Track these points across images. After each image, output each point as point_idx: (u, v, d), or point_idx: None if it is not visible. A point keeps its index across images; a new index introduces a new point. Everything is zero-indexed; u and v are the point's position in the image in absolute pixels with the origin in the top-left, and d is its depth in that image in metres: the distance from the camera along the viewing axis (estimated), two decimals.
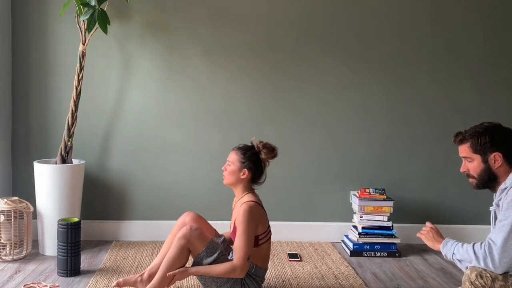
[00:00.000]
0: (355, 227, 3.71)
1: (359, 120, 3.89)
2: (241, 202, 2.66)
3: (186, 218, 2.83)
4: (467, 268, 2.16)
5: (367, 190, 3.70)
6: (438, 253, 3.66)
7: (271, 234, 2.75)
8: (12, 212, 3.25)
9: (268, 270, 3.09)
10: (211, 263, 2.55)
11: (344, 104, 3.88)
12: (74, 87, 3.44)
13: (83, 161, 3.60)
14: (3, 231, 3.25)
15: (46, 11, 3.70)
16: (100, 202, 3.81)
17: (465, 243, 2.19)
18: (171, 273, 2.52)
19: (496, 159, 2.24)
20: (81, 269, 3.11)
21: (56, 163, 3.44)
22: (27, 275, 3.05)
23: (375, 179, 3.91)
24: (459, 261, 2.18)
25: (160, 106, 3.80)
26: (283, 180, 3.88)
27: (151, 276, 2.66)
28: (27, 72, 3.73)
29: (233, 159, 2.71)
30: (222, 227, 3.02)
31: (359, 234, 3.62)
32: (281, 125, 3.86)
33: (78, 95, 3.45)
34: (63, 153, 3.45)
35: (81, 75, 3.45)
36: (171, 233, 2.84)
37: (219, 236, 2.81)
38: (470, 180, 2.34)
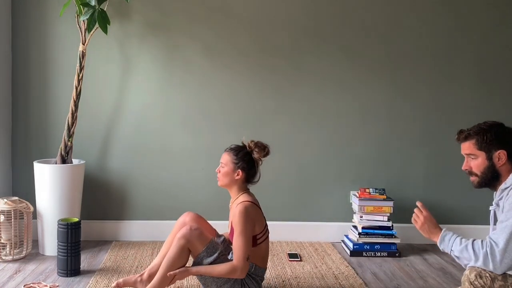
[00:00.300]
0: (355, 227, 3.71)
1: (359, 120, 3.89)
2: (236, 203, 2.66)
3: (186, 218, 2.83)
4: (465, 265, 2.15)
5: (367, 190, 3.70)
6: (438, 253, 3.66)
7: (268, 233, 2.75)
8: (12, 212, 3.25)
9: (268, 270, 3.10)
10: (211, 263, 2.55)
11: (344, 104, 3.88)
12: (74, 87, 3.44)
13: (83, 161, 3.60)
14: (3, 231, 3.25)
15: (46, 11, 3.70)
16: (100, 202, 3.81)
17: (463, 239, 2.15)
18: (171, 272, 2.52)
19: (501, 157, 2.22)
20: (81, 269, 3.11)
21: (56, 163, 3.44)
22: (27, 275, 3.05)
23: (375, 179, 3.91)
24: (457, 257, 2.16)
25: (160, 106, 3.80)
26: (283, 180, 3.88)
27: (151, 276, 2.67)
28: (27, 72, 3.74)
29: (226, 160, 2.71)
30: (222, 227, 3.02)
31: (359, 234, 3.62)
32: (281, 125, 3.86)
33: (78, 95, 3.45)
34: (63, 153, 3.45)
35: (81, 75, 3.45)
36: (171, 233, 2.84)
37: (219, 236, 2.81)
38: (472, 178, 2.32)
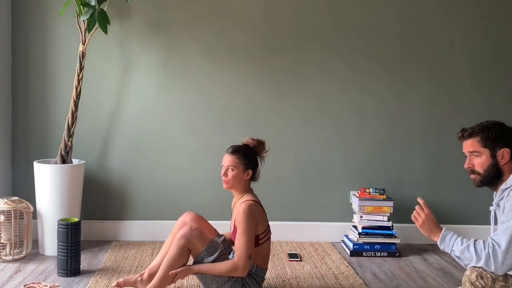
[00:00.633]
0: (355, 227, 3.71)
1: (359, 120, 3.89)
2: (240, 202, 2.66)
3: (186, 218, 2.83)
4: (466, 265, 2.14)
5: (367, 190, 3.70)
6: (438, 253, 3.67)
7: (270, 233, 2.76)
8: (12, 212, 3.25)
9: (268, 270, 3.09)
10: (211, 263, 2.55)
11: (344, 104, 3.88)
12: (74, 87, 3.44)
13: (83, 161, 3.60)
14: (3, 231, 3.25)
15: (46, 11, 3.70)
16: (100, 202, 3.81)
17: (464, 239, 2.14)
18: (173, 271, 2.52)
19: (504, 155, 2.22)
20: (81, 269, 3.11)
21: (56, 163, 3.44)
22: (27, 275, 3.05)
23: (375, 179, 3.91)
24: (458, 257, 2.16)
25: (160, 106, 3.80)
26: (283, 180, 3.88)
27: (151, 276, 2.66)
28: (27, 72, 3.73)
29: (235, 163, 2.68)
30: (222, 227, 3.02)
31: (359, 234, 3.62)
32: (281, 125, 3.86)
33: (78, 95, 3.45)
34: (63, 153, 3.45)
35: (81, 75, 3.45)
36: (171, 233, 2.84)
37: (220, 236, 2.81)
38: (473, 176, 2.30)
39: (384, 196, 3.66)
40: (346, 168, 3.91)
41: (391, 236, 3.63)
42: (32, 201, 3.49)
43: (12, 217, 3.25)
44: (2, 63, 3.61)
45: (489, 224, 2.38)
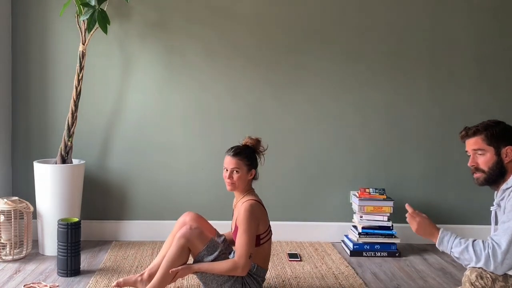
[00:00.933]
0: (355, 227, 3.71)
1: (359, 120, 3.89)
2: (242, 201, 2.67)
3: (186, 218, 2.84)
4: (466, 265, 2.14)
5: (367, 190, 3.70)
6: (438, 253, 3.67)
7: (271, 234, 2.76)
8: (12, 212, 3.25)
9: (268, 270, 3.09)
10: (211, 262, 2.55)
11: (344, 104, 3.88)
12: (74, 87, 3.44)
13: (83, 161, 3.60)
14: (3, 231, 3.25)
15: (46, 11, 3.70)
16: (100, 202, 3.81)
17: (462, 239, 2.13)
18: (174, 269, 2.52)
19: (508, 153, 2.21)
20: (81, 269, 3.11)
21: (56, 163, 3.44)
22: (27, 275, 3.05)
23: (375, 179, 3.91)
24: (457, 258, 2.15)
25: (160, 106, 3.80)
26: (283, 180, 3.88)
27: (151, 276, 2.66)
28: (27, 72, 3.73)
29: (239, 165, 2.68)
30: (222, 227, 3.02)
31: (359, 234, 3.62)
32: (281, 125, 3.86)
33: (78, 95, 3.45)
34: (63, 153, 3.45)
35: (81, 75, 3.45)
36: (171, 233, 2.84)
37: (220, 235, 2.81)
38: (477, 175, 2.28)
39: (384, 196, 3.66)
40: (346, 168, 3.91)
41: (391, 236, 3.63)
42: (32, 201, 3.49)
43: (12, 217, 3.25)
44: (2, 63, 3.61)
45: (489, 224, 2.37)
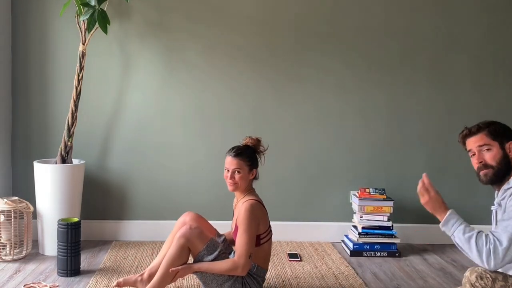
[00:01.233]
0: (355, 227, 3.71)
1: (359, 120, 3.89)
2: (243, 201, 2.67)
3: (186, 218, 2.84)
4: (466, 254, 2.14)
5: (367, 190, 3.70)
6: (438, 253, 3.67)
7: (272, 234, 2.76)
8: (12, 212, 3.25)
9: (268, 270, 3.09)
10: (211, 262, 2.55)
11: (344, 104, 3.88)
12: (74, 87, 3.44)
13: (83, 161, 3.60)
14: (3, 231, 3.25)
15: (46, 11, 3.70)
16: (100, 202, 3.81)
17: (468, 228, 2.12)
18: (174, 268, 2.52)
19: (511, 148, 2.23)
20: (81, 269, 3.11)
21: (56, 163, 3.44)
22: (27, 275, 3.05)
23: (375, 179, 3.91)
24: (457, 244, 2.15)
25: (160, 106, 3.80)
26: (283, 180, 3.88)
27: (151, 276, 2.66)
28: (27, 72, 3.73)
29: (240, 165, 2.68)
30: (222, 227, 3.02)
31: (359, 234, 3.62)
32: (281, 125, 3.86)
33: (78, 95, 3.45)
34: (63, 153, 3.45)
35: (81, 75, 3.45)
36: (171, 233, 2.84)
37: (220, 235, 2.81)
38: (485, 171, 2.26)
39: (384, 196, 3.66)
40: (346, 168, 3.91)
41: (391, 236, 3.63)
42: (32, 201, 3.49)
43: (12, 217, 3.25)
44: (2, 63, 3.61)
45: (489, 224, 2.38)
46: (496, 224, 2.29)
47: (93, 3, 3.32)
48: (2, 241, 3.26)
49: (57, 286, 2.88)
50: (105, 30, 3.38)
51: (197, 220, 2.82)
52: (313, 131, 3.88)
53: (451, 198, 3.93)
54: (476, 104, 3.91)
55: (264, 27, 3.81)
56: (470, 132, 2.31)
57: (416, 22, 3.86)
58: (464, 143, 2.36)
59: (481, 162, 2.27)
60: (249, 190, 2.74)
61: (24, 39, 3.71)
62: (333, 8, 3.82)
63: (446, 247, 3.79)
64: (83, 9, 3.35)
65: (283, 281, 3.07)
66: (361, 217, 3.64)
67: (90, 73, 3.67)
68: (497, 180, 2.27)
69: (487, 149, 2.26)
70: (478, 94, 3.92)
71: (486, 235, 2.09)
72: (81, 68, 3.45)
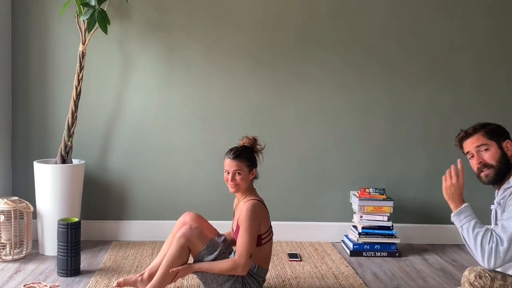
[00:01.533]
0: (355, 227, 3.71)
1: (359, 120, 3.89)
2: (244, 201, 2.67)
3: (186, 218, 2.84)
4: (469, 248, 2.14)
5: (367, 190, 3.70)
6: (438, 253, 3.67)
7: (273, 234, 2.76)
8: (12, 212, 3.25)
9: (268, 271, 3.10)
10: (211, 261, 2.55)
11: (344, 104, 3.88)
12: (74, 87, 3.44)
13: (83, 161, 3.60)
14: (3, 231, 3.25)
15: (46, 11, 3.70)
16: (100, 202, 3.81)
17: (478, 224, 2.12)
18: (174, 269, 2.52)
19: (508, 147, 2.24)
20: (81, 269, 3.11)
21: (56, 163, 3.44)
22: (27, 275, 3.05)
23: (375, 179, 3.91)
24: (462, 235, 2.15)
25: (160, 106, 3.80)
26: (283, 180, 3.88)
27: (151, 276, 2.66)
28: (27, 72, 3.74)
29: (240, 167, 2.67)
30: (222, 227, 3.02)
31: (359, 234, 3.62)
32: (281, 125, 3.86)
33: (78, 95, 3.45)
34: (63, 153, 3.45)
35: (81, 75, 3.45)
36: (171, 233, 2.84)
37: (220, 235, 2.81)
38: (486, 172, 2.26)
39: (384, 196, 3.66)
40: (346, 168, 3.91)
41: (391, 236, 3.63)
42: (32, 201, 3.49)
43: (12, 217, 3.25)
44: (2, 63, 3.61)
45: (489, 223, 2.37)
46: (495, 224, 2.29)
47: (93, 3, 3.32)
48: (2, 241, 3.26)
49: (57, 286, 2.88)
50: (105, 30, 3.38)
51: (197, 220, 2.82)
52: (313, 131, 3.88)
53: None
54: (477, 104, 3.91)
55: (265, 26, 3.81)
56: (466, 134, 2.32)
57: (418, 22, 3.86)
58: (461, 146, 2.37)
59: (480, 162, 2.28)
60: (250, 190, 2.74)
61: (24, 39, 3.72)
62: (335, 7, 3.82)
63: (446, 247, 3.79)
64: (83, 9, 3.35)
65: (283, 281, 3.07)
66: (361, 217, 3.64)
67: (90, 73, 3.68)
68: (498, 179, 2.27)
69: (485, 149, 2.26)
70: (479, 94, 3.92)
71: (491, 234, 2.09)
72: (81, 68, 3.45)
